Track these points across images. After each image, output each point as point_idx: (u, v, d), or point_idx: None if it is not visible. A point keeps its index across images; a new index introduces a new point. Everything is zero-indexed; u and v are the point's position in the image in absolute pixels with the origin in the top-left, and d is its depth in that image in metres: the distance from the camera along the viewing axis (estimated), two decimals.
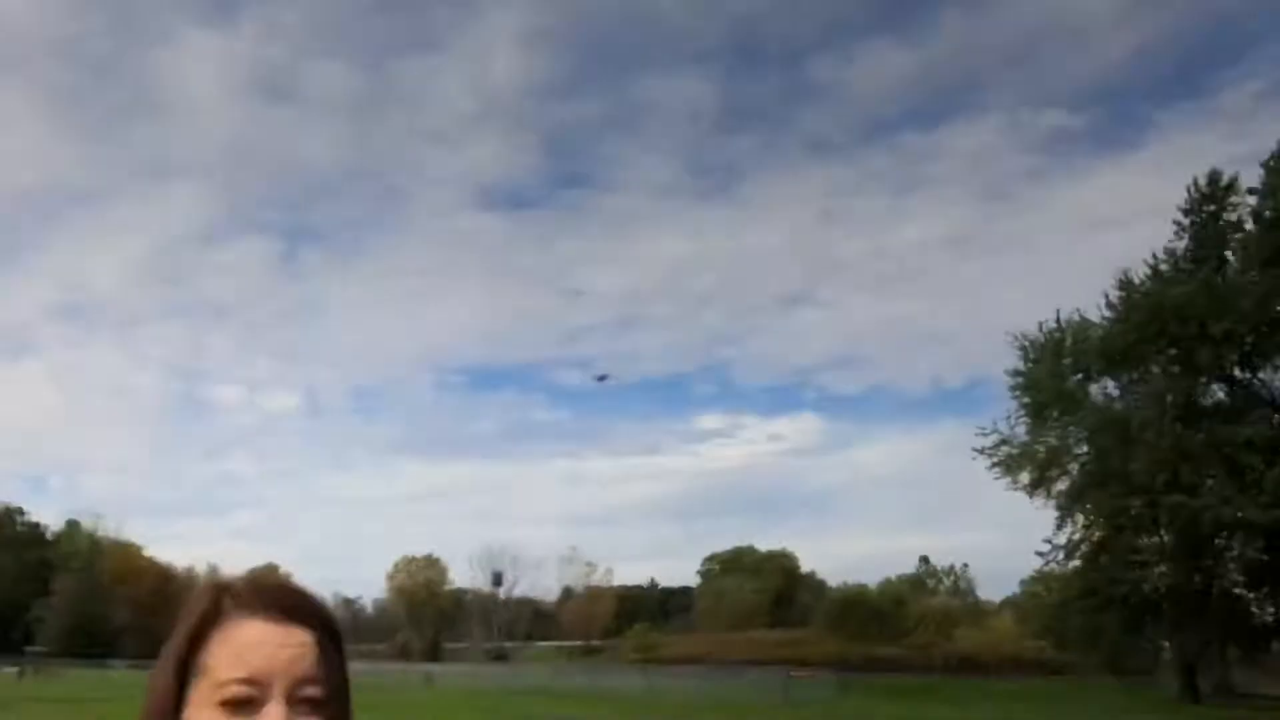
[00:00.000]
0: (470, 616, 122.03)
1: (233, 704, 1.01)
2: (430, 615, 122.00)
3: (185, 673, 1.06)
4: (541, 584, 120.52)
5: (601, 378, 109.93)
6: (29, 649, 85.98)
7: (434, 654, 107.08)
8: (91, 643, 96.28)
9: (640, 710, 39.51)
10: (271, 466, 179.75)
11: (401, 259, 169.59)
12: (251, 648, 1.04)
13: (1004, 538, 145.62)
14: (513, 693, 53.00)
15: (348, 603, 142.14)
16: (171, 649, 1.09)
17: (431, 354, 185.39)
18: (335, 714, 1.06)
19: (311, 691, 1.04)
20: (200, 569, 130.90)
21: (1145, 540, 52.35)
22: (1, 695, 41.55)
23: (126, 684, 57.09)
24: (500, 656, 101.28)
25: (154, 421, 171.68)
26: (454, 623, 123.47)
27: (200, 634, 1.06)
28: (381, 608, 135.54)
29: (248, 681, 1.02)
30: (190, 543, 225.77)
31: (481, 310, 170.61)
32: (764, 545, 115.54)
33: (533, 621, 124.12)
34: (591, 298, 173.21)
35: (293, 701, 1.02)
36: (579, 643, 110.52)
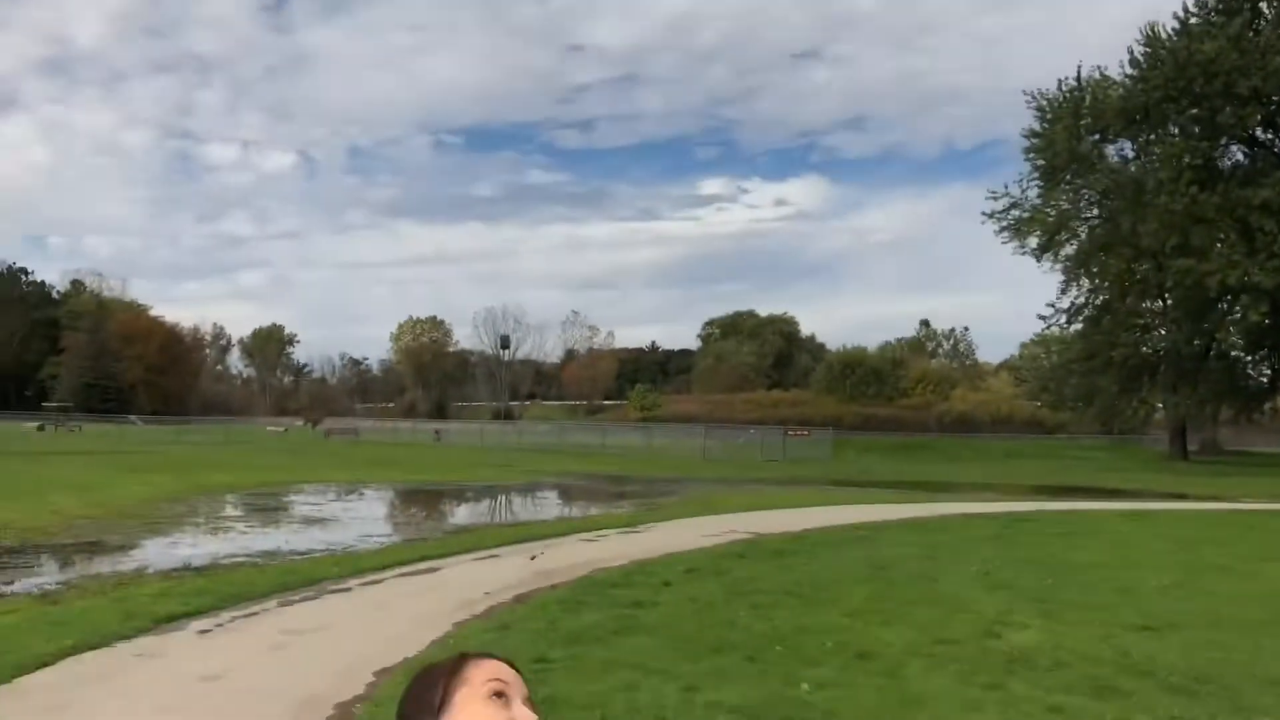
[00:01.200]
0: (475, 377, 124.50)
1: (496, 696, 1.49)
2: (436, 376, 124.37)
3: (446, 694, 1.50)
4: (544, 346, 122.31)
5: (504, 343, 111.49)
6: (46, 404, 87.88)
7: (441, 413, 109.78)
8: (105, 399, 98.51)
9: (644, 465, 40.62)
10: (271, 228, 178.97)
11: (395, 11, 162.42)
12: (494, 670, 1.53)
13: (1005, 302, 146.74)
14: (520, 449, 54.50)
15: (355, 363, 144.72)
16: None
17: (428, 114, 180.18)
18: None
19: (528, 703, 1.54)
20: (206, 329, 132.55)
21: (1149, 304, 52.56)
22: (28, 448, 42.66)
23: (147, 438, 58.71)
24: (505, 415, 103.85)
25: (150, 182, 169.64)
26: (459, 383, 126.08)
27: (450, 680, 1.52)
28: (388, 368, 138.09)
29: (499, 680, 1.50)
30: (195, 304, 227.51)
31: (478, 68, 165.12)
32: (764, 310, 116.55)
33: (536, 382, 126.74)
34: (592, 54, 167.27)
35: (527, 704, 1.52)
36: (581, 402, 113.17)
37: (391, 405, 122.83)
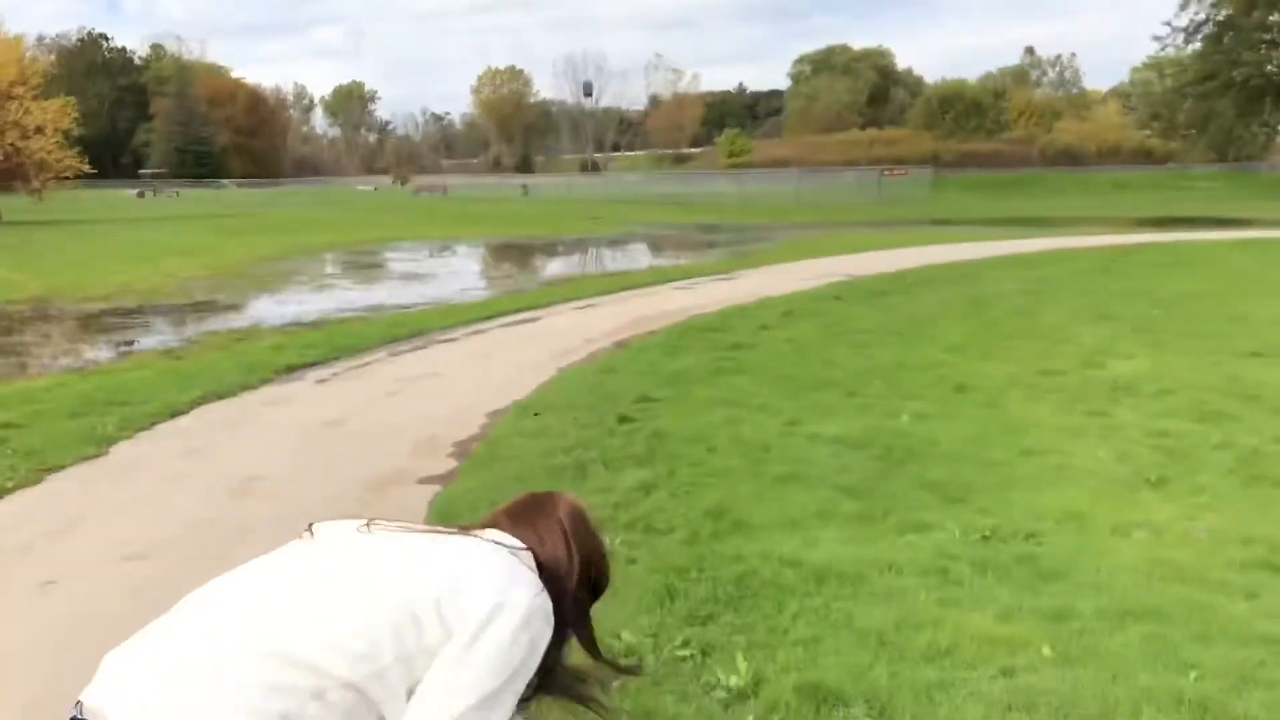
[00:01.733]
0: (558, 128, 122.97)
1: None
2: (518, 128, 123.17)
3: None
4: (628, 93, 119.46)
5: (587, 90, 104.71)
6: (143, 172, 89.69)
7: (526, 167, 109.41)
8: (199, 164, 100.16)
9: (735, 213, 40.28)
10: None
11: None
12: None
13: (1116, 24, 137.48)
14: (609, 201, 54.36)
15: (436, 118, 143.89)
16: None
17: None
18: None
19: None
20: (288, 89, 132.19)
21: (1276, 17, 48.73)
22: (131, 214, 43.97)
23: (242, 201, 60.01)
24: (591, 167, 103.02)
25: None
26: (542, 135, 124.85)
27: None
28: (470, 122, 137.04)
29: None
30: (275, 64, 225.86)
31: None
32: (858, 43, 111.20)
33: (620, 131, 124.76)
34: None
35: None
36: (668, 151, 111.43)
37: (476, 161, 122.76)
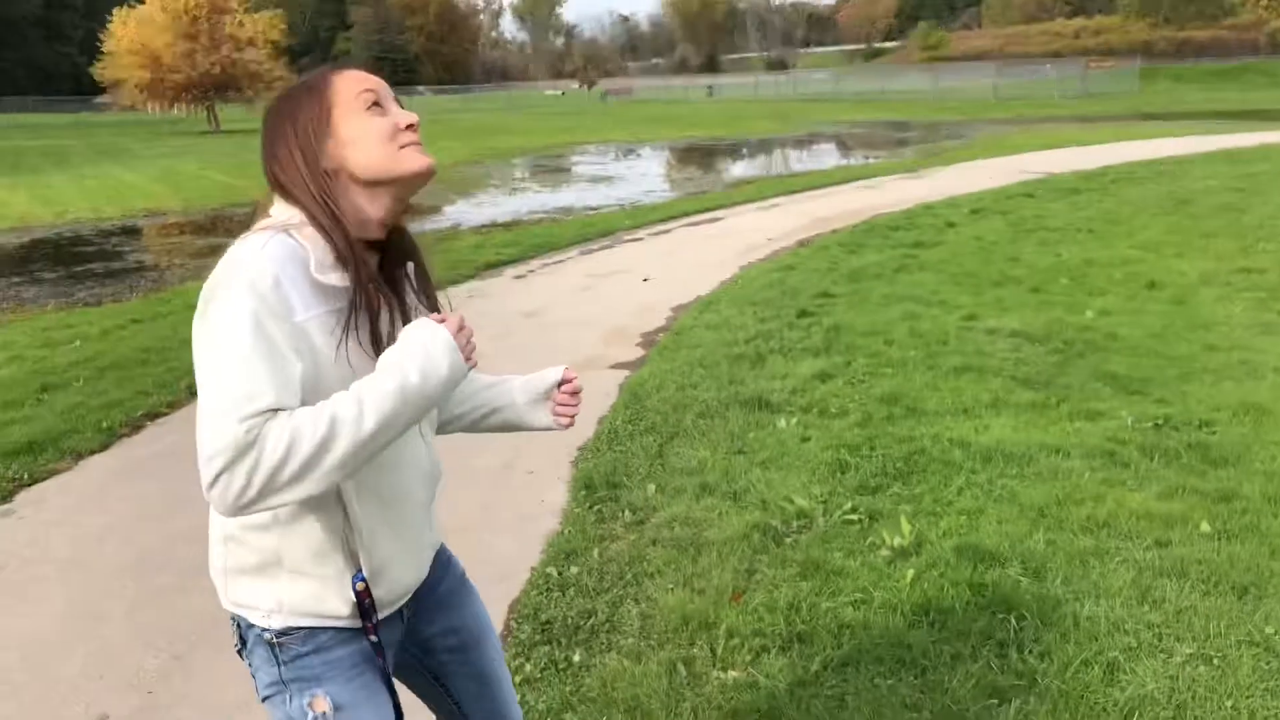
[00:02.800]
0: (745, 27, 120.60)
1: (373, 107, 1.48)
2: (704, 28, 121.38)
3: (320, 122, 1.48)
4: None
5: None
6: None
7: (712, 67, 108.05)
8: (395, 71, 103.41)
9: (928, 110, 38.99)
10: None
11: None
12: (361, 79, 1.50)
13: None
14: (796, 100, 53.43)
15: (624, 19, 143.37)
16: (297, 129, 1.48)
17: None
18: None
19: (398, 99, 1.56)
20: None
21: None
22: None
23: (437, 107, 61.89)
24: (779, 65, 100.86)
25: None
26: (729, 34, 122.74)
27: (320, 98, 1.49)
28: (656, 23, 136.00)
29: (372, 91, 1.49)
30: None
31: None
32: None
33: (809, 28, 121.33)
34: None
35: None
36: (859, 46, 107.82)
37: (662, 62, 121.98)
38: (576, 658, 2.98)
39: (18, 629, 3.38)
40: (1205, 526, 3.51)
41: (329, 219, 1.43)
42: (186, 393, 5.77)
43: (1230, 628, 2.88)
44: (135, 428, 5.41)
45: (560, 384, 1.78)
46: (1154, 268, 8.16)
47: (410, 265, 1.61)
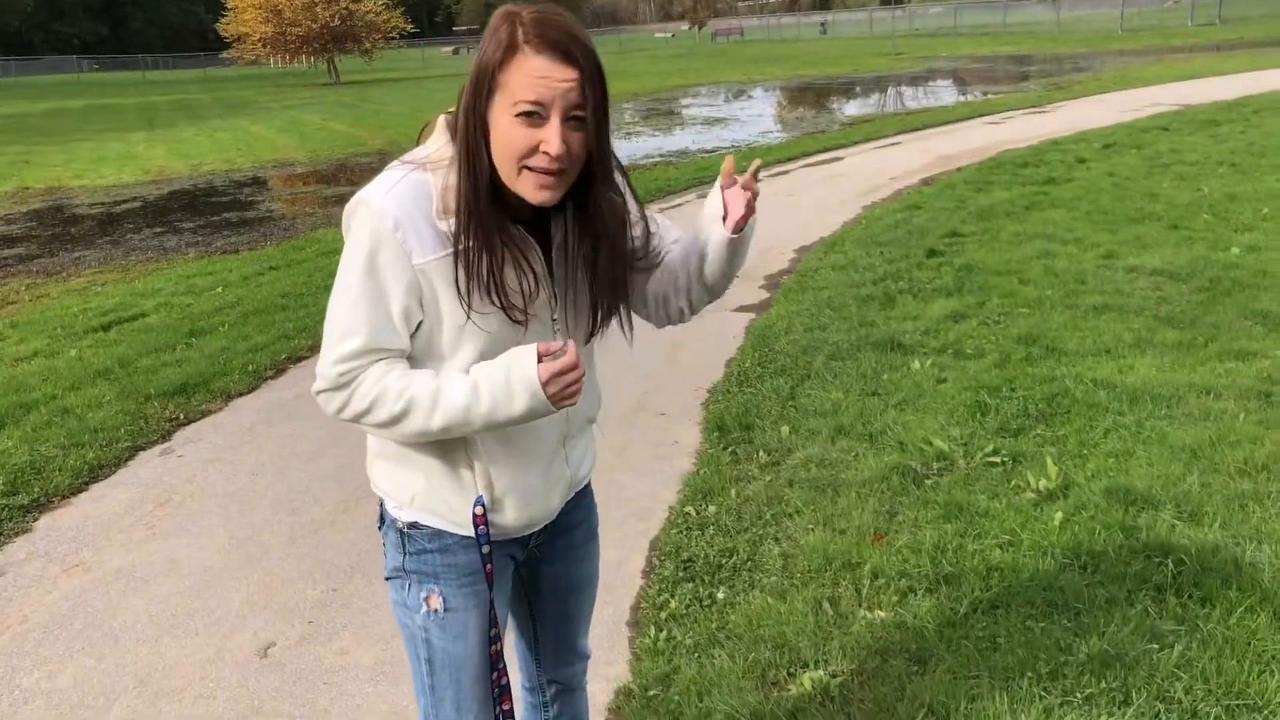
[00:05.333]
0: None
1: (525, 116, 1.37)
2: None
3: (491, 85, 1.40)
4: None
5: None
6: (457, 29, 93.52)
7: (824, 3, 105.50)
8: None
9: (1052, 43, 37.43)
10: None
11: None
12: (539, 79, 1.36)
13: None
14: (912, 35, 51.83)
15: None
16: (478, 68, 1.41)
17: None
18: (594, 129, 1.41)
19: (577, 113, 1.39)
20: None
21: None
22: (450, 70, 46.53)
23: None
24: (893, 0, 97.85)
25: None
26: None
27: (502, 60, 1.38)
28: None
29: (535, 103, 1.36)
30: None
31: None
32: None
33: None
34: None
35: (565, 119, 1.38)
36: None
37: (773, 0, 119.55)
38: (720, 595, 3.01)
39: (187, 560, 3.57)
40: None
41: (465, 162, 1.43)
42: None
43: None
44: (279, 370, 5.62)
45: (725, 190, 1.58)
46: None
47: (593, 244, 1.53)
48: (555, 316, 1.55)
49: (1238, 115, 13.05)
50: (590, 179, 1.47)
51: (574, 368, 1.43)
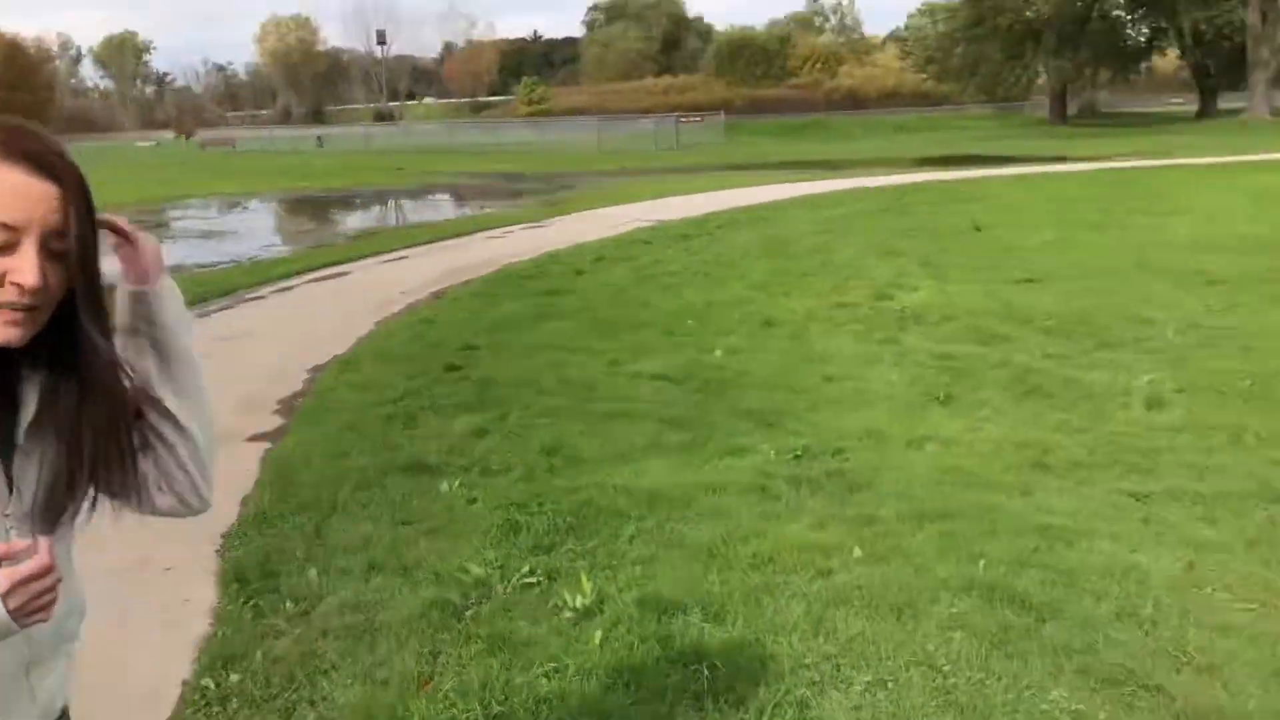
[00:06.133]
0: (350, 77, 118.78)
1: None
2: (308, 78, 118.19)
3: None
4: (420, 40, 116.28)
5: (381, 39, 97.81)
6: None
7: (318, 118, 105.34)
8: None
9: (539, 162, 40.18)
10: None
11: None
12: (10, 196, 1.12)
13: None
14: (409, 151, 53.12)
15: (219, 69, 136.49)
16: None
17: None
18: (78, 261, 1.16)
19: (57, 245, 1.15)
20: (51, 40, 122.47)
21: None
22: None
23: None
24: (387, 116, 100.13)
25: None
26: (334, 84, 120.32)
27: None
28: (255, 72, 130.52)
29: (6, 227, 1.11)
30: (30, 13, 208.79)
31: None
32: None
33: (414, 80, 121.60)
34: None
35: (42, 247, 1.13)
36: (466, 99, 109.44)
37: (265, 113, 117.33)
38: None
39: None
40: (857, 552, 3.76)
41: None
42: None
43: (897, 650, 3.08)
44: None
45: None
46: (767, 306, 8.82)
47: (76, 398, 1.23)
48: (9, 511, 1.21)
49: (704, 230, 14.72)
50: (72, 316, 1.20)
51: (46, 572, 1.10)
